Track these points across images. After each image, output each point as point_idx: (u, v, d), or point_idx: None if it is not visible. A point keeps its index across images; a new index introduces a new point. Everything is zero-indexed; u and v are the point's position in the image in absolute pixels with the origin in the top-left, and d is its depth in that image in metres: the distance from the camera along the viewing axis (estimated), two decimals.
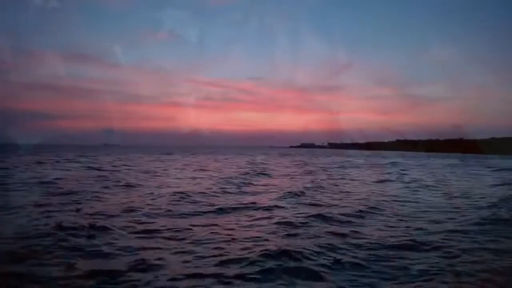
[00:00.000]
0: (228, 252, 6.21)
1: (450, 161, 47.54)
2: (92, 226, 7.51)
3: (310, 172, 25.43)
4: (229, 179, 18.10)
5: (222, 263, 5.65)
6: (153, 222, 8.40)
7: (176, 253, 6.21)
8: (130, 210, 9.76)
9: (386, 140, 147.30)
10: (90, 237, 6.92)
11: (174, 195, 12.11)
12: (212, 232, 7.57)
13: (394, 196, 13.52)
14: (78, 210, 9.55)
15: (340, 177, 21.71)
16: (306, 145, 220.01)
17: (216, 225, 8.34)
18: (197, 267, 5.55)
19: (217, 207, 10.49)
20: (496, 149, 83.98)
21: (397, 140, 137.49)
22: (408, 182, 18.24)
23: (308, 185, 15.88)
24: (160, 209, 9.97)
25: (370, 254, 6.18)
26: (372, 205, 10.97)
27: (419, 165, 36.34)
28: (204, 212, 9.80)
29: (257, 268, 5.44)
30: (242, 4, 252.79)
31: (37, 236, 6.76)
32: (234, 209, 10.35)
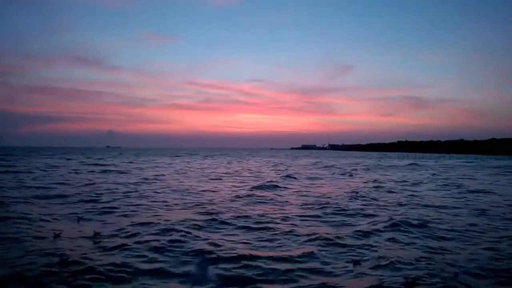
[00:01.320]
0: None
1: (462, 162, 48.25)
2: None
3: (346, 174, 25.98)
4: (269, 182, 18.86)
5: None
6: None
7: None
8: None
9: (387, 142, 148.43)
10: None
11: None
12: None
13: None
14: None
15: (381, 179, 22.30)
16: (307, 147, 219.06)
17: None
18: None
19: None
20: (497, 150, 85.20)
21: (398, 142, 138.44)
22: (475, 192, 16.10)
23: (362, 188, 16.48)
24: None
25: None
26: None
27: (441, 166, 36.93)
28: None
29: None
30: (243, 7, 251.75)
31: None
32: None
